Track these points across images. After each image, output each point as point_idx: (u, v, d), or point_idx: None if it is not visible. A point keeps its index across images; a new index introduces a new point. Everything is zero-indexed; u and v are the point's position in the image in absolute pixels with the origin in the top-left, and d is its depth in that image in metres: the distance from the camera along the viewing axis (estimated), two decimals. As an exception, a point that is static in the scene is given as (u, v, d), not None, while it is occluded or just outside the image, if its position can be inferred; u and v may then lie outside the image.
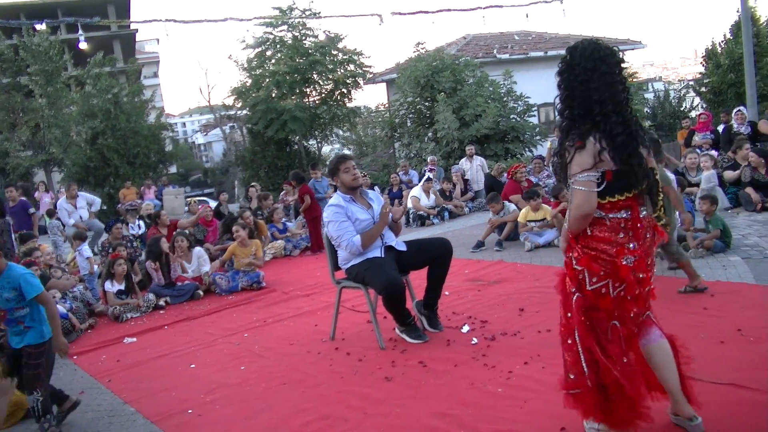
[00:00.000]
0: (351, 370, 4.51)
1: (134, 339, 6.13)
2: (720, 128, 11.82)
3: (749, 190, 8.79)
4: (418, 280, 5.34)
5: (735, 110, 11.47)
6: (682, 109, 23.68)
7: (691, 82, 27.57)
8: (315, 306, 6.54)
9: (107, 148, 22.09)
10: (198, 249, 8.12)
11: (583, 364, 2.94)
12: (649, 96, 26.48)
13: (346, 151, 47.87)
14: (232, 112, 30.35)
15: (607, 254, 2.85)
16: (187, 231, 8.93)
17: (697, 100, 25.37)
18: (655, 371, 3.04)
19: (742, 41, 18.94)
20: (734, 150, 9.29)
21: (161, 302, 7.32)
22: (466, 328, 5.06)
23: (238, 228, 8.25)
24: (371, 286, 4.84)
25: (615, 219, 2.88)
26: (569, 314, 2.99)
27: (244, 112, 25.01)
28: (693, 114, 23.46)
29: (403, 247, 5.08)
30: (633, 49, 25.35)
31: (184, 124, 78.92)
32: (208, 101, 49.91)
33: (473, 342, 4.74)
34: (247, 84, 23.07)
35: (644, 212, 2.96)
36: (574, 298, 2.95)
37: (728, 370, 3.78)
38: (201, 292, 7.64)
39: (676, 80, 48.52)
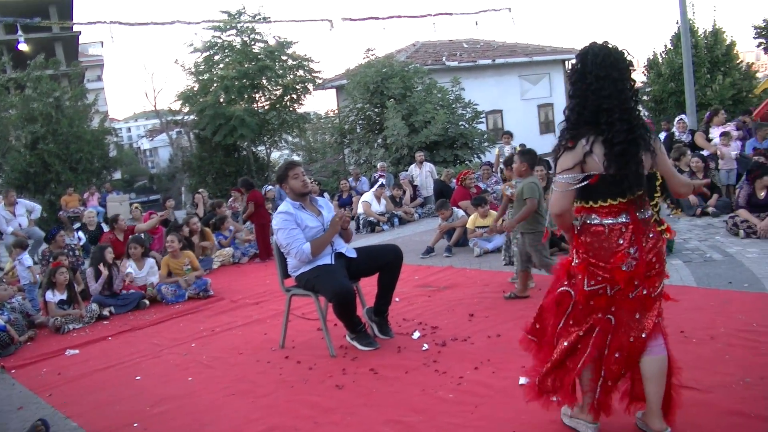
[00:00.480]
0: (301, 378, 4.47)
1: (76, 351, 5.93)
2: (662, 136, 12.17)
3: (691, 197, 9.07)
4: (368, 287, 5.33)
5: (677, 119, 11.85)
6: (634, 108, 24.18)
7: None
8: (264, 314, 6.46)
9: (48, 154, 21.37)
10: (151, 260, 7.94)
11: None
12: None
13: (296, 158, 47.69)
14: (179, 117, 29.85)
15: (605, 262, 2.86)
16: (142, 236, 8.72)
17: (639, 107, 26.10)
18: (643, 380, 3.07)
19: (680, 51, 19.60)
20: (676, 157, 9.59)
21: (105, 312, 7.11)
22: (416, 335, 5.08)
23: (173, 239, 8.02)
24: (321, 294, 4.81)
25: (613, 224, 2.87)
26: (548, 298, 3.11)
27: (192, 117, 24.62)
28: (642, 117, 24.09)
29: (353, 254, 5.06)
30: (578, 58, 25.98)
31: (129, 129, 77.21)
32: (154, 106, 49.27)
33: (424, 348, 4.76)
34: (194, 89, 22.72)
35: (645, 214, 2.92)
36: (560, 289, 3.05)
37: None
38: (147, 302, 7.45)
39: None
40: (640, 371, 3.06)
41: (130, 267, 7.67)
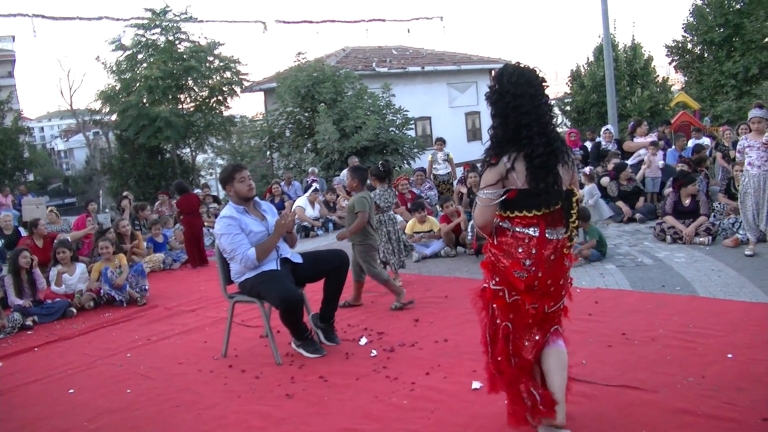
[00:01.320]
0: (248, 388, 4.33)
1: (0, 363, 5.56)
2: (588, 145, 12.57)
3: (621, 203, 9.44)
4: (311, 292, 5.24)
5: (603, 129, 12.29)
6: (551, 124, 24.93)
7: (554, 101, 29.24)
8: (202, 321, 6.25)
9: (-44, 153, 20.23)
10: (81, 265, 7.54)
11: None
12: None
13: (220, 161, 46.76)
14: (98, 117, 28.79)
15: (503, 264, 3.01)
16: (68, 240, 8.27)
17: (561, 117, 26.94)
18: (545, 374, 3.16)
19: (602, 64, 20.33)
20: (605, 165, 9.94)
21: (28, 322, 6.69)
22: (364, 341, 5.02)
23: (106, 244, 7.66)
24: (267, 300, 4.69)
25: (521, 234, 2.99)
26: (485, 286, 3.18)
27: (112, 117, 23.79)
28: (558, 131, 24.85)
29: (299, 259, 4.96)
30: (504, 68, 26.58)
31: (42, 129, 73.84)
32: (70, 105, 47.25)
33: (372, 354, 4.70)
34: (116, 88, 21.96)
35: (555, 234, 3.02)
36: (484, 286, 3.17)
37: (618, 372, 3.99)
38: (74, 310, 7.07)
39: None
40: (542, 368, 3.17)
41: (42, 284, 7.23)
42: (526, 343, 3.11)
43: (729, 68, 29.24)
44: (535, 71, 3.00)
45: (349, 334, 5.26)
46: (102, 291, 7.29)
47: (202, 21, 10.08)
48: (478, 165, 12.50)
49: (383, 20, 12.25)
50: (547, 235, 2.98)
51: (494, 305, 3.09)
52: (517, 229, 2.99)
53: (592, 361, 4.20)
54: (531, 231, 2.97)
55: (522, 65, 3.01)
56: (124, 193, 13.49)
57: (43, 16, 9.14)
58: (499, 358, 3.11)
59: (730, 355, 4.10)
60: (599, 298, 5.67)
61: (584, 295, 5.85)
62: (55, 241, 8.08)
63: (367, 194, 6.11)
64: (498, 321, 3.10)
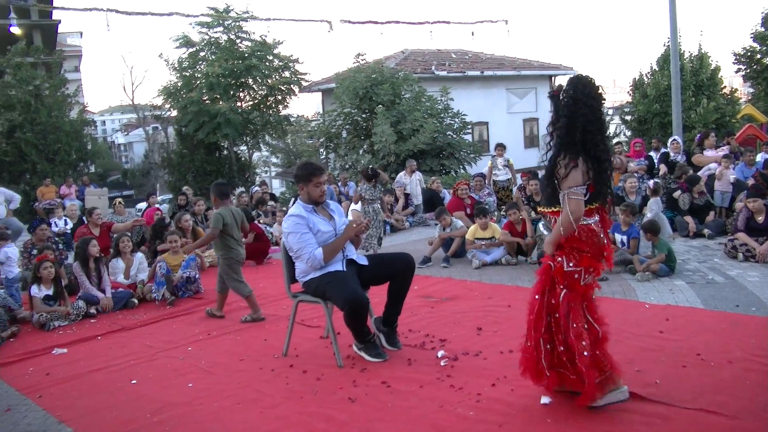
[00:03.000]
0: (310, 389, 4.28)
1: (64, 350, 5.66)
2: (653, 155, 12.19)
3: (687, 218, 9.13)
4: (375, 296, 5.17)
5: (671, 140, 11.90)
6: (607, 134, 24.45)
7: (612, 110, 28.65)
8: (261, 319, 6.26)
9: (25, 143, 20.86)
10: (140, 255, 7.65)
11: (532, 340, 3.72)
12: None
13: (275, 159, 47.32)
14: (159, 113, 29.43)
15: (586, 249, 3.52)
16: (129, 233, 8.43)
17: (621, 126, 26.35)
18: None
19: (667, 74, 19.80)
20: (678, 176, 9.65)
21: (92, 310, 6.83)
22: (441, 353, 4.80)
23: (174, 237, 7.79)
24: (333, 302, 4.64)
25: (592, 223, 3.57)
26: (537, 296, 3.70)
27: (173, 113, 24.27)
28: (616, 140, 24.33)
29: (364, 261, 4.90)
30: (565, 74, 26.14)
31: (103, 123, 76.06)
32: (132, 100, 48.50)
33: (442, 363, 4.57)
34: (178, 85, 22.39)
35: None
36: (562, 294, 3.57)
37: (694, 394, 3.81)
38: (135, 301, 7.19)
39: (597, 107, 50.24)
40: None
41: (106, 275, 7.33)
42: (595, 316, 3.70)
43: (800, 81, 28.12)
44: (600, 87, 3.53)
45: (411, 340, 5.17)
46: (179, 284, 7.33)
47: (267, 19, 10.16)
48: (538, 172, 12.29)
49: (448, 22, 12.14)
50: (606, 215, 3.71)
51: (563, 284, 3.56)
52: (589, 220, 3.55)
53: (667, 381, 4.02)
54: (596, 217, 3.60)
55: (592, 80, 3.52)
56: (184, 189, 13.70)
57: (117, 11, 9.33)
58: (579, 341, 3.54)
59: (815, 383, 3.87)
60: (670, 315, 5.46)
61: (654, 311, 5.65)
62: (113, 232, 8.21)
63: (227, 210, 6.34)
64: (584, 305, 3.66)
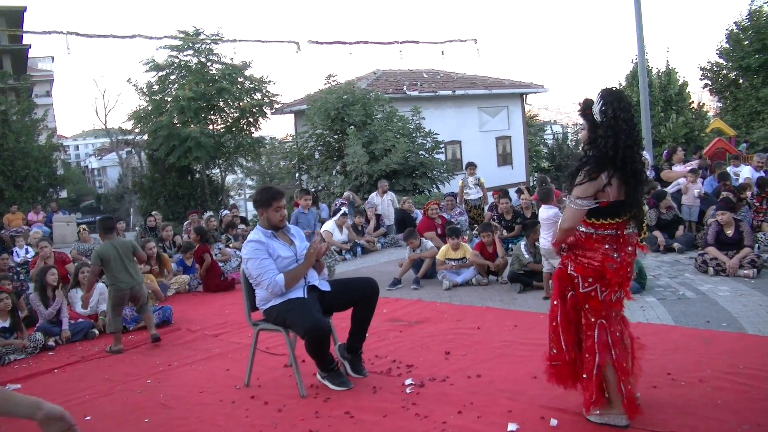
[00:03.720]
0: (270, 422, 4.12)
1: (18, 385, 5.42)
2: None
3: (657, 233, 9.13)
4: (341, 321, 5.03)
5: (639, 155, 11.94)
6: (579, 151, 24.68)
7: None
8: (225, 348, 6.06)
9: (-8, 169, 20.53)
10: (101, 285, 7.39)
11: (563, 344, 3.66)
12: (548, 137, 27.59)
13: (250, 182, 46.98)
14: (130, 137, 29.12)
15: (596, 261, 3.50)
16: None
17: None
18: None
19: (636, 89, 20.03)
20: (646, 192, 9.64)
21: (50, 342, 6.59)
22: (408, 381, 4.64)
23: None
24: (293, 330, 4.49)
25: (602, 235, 3.52)
26: (555, 302, 3.70)
27: (144, 137, 24.03)
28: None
29: (326, 287, 4.76)
30: (536, 93, 26.36)
31: (77, 147, 75.25)
32: (104, 124, 47.99)
33: (408, 390, 4.43)
34: (148, 108, 22.19)
35: (629, 230, 3.58)
36: (569, 295, 3.64)
37: (665, 416, 3.72)
38: (96, 331, 6.97)
39: (569, 124, 51.00)
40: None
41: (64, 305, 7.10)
42: (617, 334, 3.61)
43: (766, 95, 28.69)
44: (629, 98, 3.57)
45: (377, 366, 5.03)
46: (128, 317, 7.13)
47: (234, 40, 10.05)
48: (509, 190, 12.27)
49: (417, 42, 12.12)
50: (625, 231, 3.55)
51: (589, 306, 3.55)
52: (599, 231, 3.51)
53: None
54: (610, 231, 3.50)
55: (621, 90, 3.52)
56: (152, 213, 13.47)
57: (77, 34, 9.14)
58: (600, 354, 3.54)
59: (786, 401, 3.80)
60: (641, 334, 5.32)
61: (624, 329, 5.57)
62: (75, 263, 7.99)
63: (107, 245, 6.34)
64: (592, 320, 3.58)
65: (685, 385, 4.18)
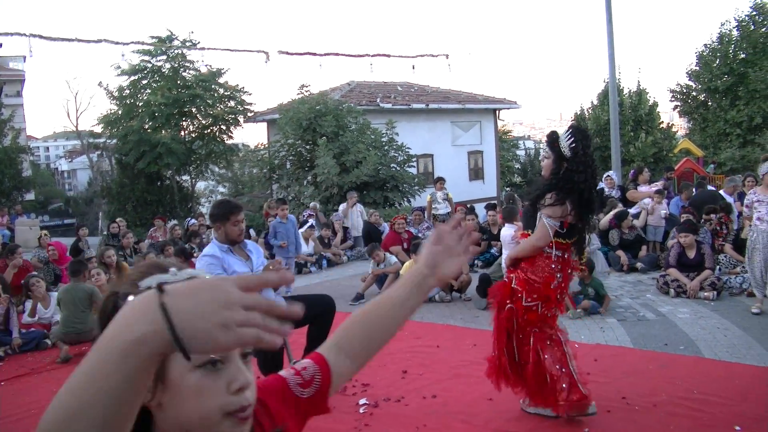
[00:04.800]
0: (218, 442, 4.01)
1: (-39, 399, 5.25)
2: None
3: (620, 252, 9.18)
4: (296, 338, 4.95)
5: (605, 175, 12.01)
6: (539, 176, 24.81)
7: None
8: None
9: (-47, 171, 20.07)
10: (55, 294, 7.21)
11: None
12: (521, 153, 27.81)
13: (222, 189, 46.57)
14: (99, 141, 28.74)
15: (540, 279, 3.89)
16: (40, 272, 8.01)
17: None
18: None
19: (607, 109, 20.24)
20: (607, 211, 9.74)
21: (-1, 353, 6.41)
22: (363, 401, 4.60)
23: (99, 271, 7.42)
24: (246, 347, 4.39)
25: (551, 254, 3.90)
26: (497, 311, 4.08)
27: (113, 141, 23.71)
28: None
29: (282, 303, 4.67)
30: (509, 109, 26.53)
31: (47, 149, 73.98)
32: (76, 126, 47.22)
33: (361, 411, 4.37)
34: (119, 113, 21.92)
35: (573, 256, 4.04)
36: (507, 307, 3.98)
37: (617, 444, 3.69)
38: (49, 342, 6.77)
39: (543, 140, 51.49)
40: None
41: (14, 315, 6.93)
42: (548, 342, 3.98)
43: (733, 116, 29.25)
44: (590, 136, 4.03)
45: (333, 385, 4.94)
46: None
47: (204, 48, 9.94)
48: (475, 206, 12.30)
49: (388, 56, 12.12)
50: (569, 254, 4.00)
51: (527, 318, 3.92)
52: (550, 250, 3.89)
53: (591, 427, 3.91)
54: (559, 252, 3.90)
55: (587, 130, 4.08)
56: (116, 219, 13.23)
57: (41, 37, 8.94)
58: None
59: (738, 428, 3.81)
60: (599, 356, 5.38)
61: (584, 351, 5.55)
62: (28, 274, 7.79)
63: (69, 289, 6.62)
64: (528, 329, 3.96)
65: (639, 410, 4.18)
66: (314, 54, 11.03)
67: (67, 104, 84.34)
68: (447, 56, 13.16)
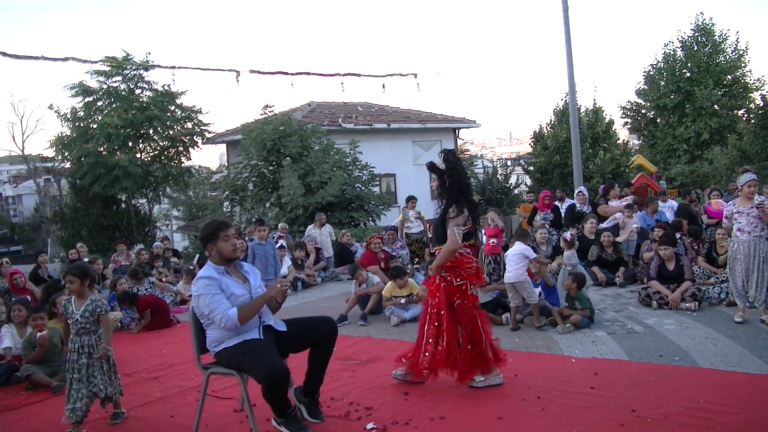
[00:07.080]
0: (225, 474, 3.81)
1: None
2: (558, 204, 12.32)
3: (595, 269, 9.26)
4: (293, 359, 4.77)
5: (576, 191, 12.13)
6: (508, 185, 25.08)
7: (521, 161, 29.56)
8: (167, 391, 5.65)
9: None
10: (29, 328, 6.76)
11: (444, 343, 4.95)
12: (479, 171, 28.04)
13: (176, 213, 45.75)
14: (51, 164, 27.92)
15: (464, 270, 4.97)
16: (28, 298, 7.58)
17: (523, 176, 27.15)
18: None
19: (566, 126, 20.60)
20: (581, 227, 9.83)
21: (-33, 388, 6.00)
22: (371, 425, 4.43)
23: (42, 315, 6.91)
24: (250, 374, 4.20)
25: (467, 253, 5.02)
26: (443, 312, 4.92)
27: (66, 164, 23.03)
28: (517, 191, 25.01)
29: (282, 327, 4.51)
30: (468, 128, 26.79)
31: (-11, 174, 71.65)
32: (22, 150, 45.88)
33: (369, 433, 4.22)
34: (73, 135, 21.31)
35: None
36: (456, 303, 4.94)
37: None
38: (20, 375, 6.39)
39: (495, 158, 52.19)
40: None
41: (7, 335, 6.58)
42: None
43: (681, 133, 30.19)
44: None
45: (334, 410, 4.79)
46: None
47: (172, 67, 9.61)
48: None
49: (358, 75, 12.02)
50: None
51: (457, 297, 4.94)
52: (466, 250, 4.98)
53: (608, 444, 3.85)
54: (468, 251, 5.02)
55: (456, 151, 5.28)
56: (77, 245, 12.76)
57: (4, 54, 8.51)
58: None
59: (753, 437, 3.80)
60: (598, 370, 5.36)
61: (582, 365, 5.55)
62: (16, 298, 7.38)
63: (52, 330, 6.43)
64: (474, 313, 5.03)
65: (651, 423, 4.15)
66: (285, 73, 10.88)
67: (12, 127, 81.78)
68: (415, 75, 13.14)
